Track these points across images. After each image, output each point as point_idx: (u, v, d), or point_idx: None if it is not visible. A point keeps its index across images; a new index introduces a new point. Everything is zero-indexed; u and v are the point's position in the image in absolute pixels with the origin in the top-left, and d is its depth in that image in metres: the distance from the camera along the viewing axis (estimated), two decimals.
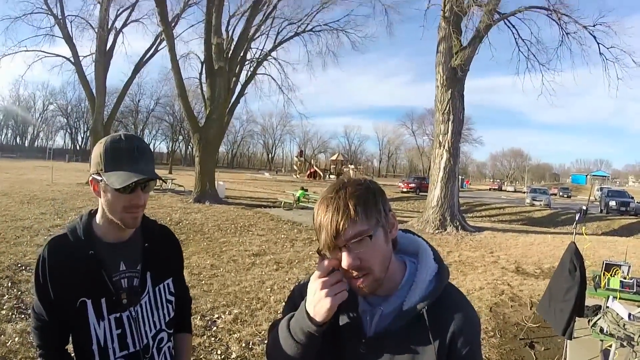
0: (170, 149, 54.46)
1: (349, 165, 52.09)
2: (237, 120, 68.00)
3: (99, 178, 1.21)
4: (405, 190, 30.64)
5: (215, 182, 16.02)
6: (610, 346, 3.72)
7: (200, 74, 20.60)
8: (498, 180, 65.48)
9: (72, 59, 22.72)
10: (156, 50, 24.68)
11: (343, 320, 1.08)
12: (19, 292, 4.56)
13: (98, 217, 1.30)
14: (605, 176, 67.48)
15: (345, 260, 0.91)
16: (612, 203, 25.33)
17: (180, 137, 59.57)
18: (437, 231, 11.73)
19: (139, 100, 57.40)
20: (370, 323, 1.06)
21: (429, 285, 1.03)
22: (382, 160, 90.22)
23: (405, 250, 1.11)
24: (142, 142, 1.27)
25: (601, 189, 32.53)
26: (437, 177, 12.32)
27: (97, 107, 21.69)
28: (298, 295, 1.20)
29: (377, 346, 1.04)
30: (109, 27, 22.88)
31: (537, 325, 4.73)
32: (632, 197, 27.06)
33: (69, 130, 71.99)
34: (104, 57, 22.35)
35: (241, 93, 19.80)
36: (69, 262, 1.23)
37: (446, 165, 12.17)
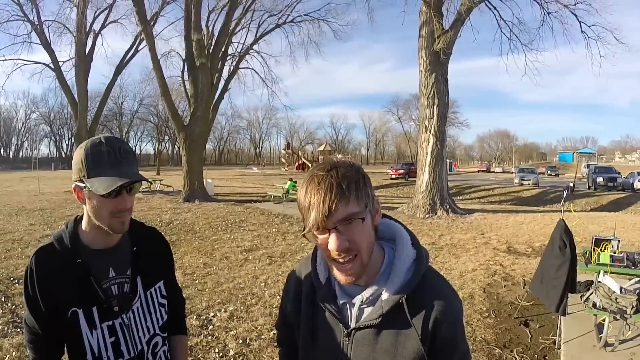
0: (156, 150, 53.66)
1: (337, 155, 51.85)
2: (222, 116, 67.56)
3: (82, 185, 1.17)
4: (394, 176, 30.68)
5: (204, 180, 15.90)
6: (604, 320, 3.77)
7: (183, 71, 20.41)
8: (486, 162, 65.59)
9: (51, 65, 22.33)
10: (136, 51, 24.41)
11: (323, 314, 1.07)
12: (13, 306, 4.49)
13: (84, 224, 1.26)
14: (591, 153, 68.27)
15: (335, 242, 0.88)
16: (600, 179, 25.68)
17: (166, 137, 58.93)
18: (427, 216, 11.75)
19: (122, 103, 56.61)
20: (351, 314, 1.04)
21: (408, 272, 1.01)
22: (370, 148, 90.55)
23: (382, 236, 1.09)
24: (124, 143, 1.22)
25: (588, 165, 32.88)
26: (425, 162, 12.31)
27: (80, 112, 21.41)
28: (293, 280, 1.21)
29: (360, 337, 1.03)
30: (87, 30, 22.55)
31: (531, 303, 4.79)
32: (619, 173, 27.41)
33: (52, 138, 70.55)
34: (83, 61, 22.01)
35: (225, 88, 19.62)
36: (57, 271, 1.19)
37: (433, 150, 12.16)
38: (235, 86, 24.34)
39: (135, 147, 66.69)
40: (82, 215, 1.27)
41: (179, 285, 1.56)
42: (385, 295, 0.99)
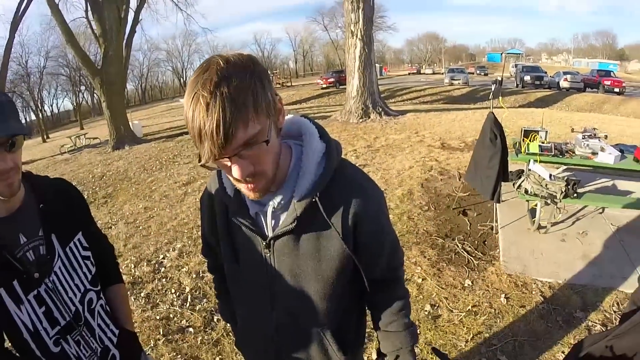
0: (75, 104, 49.14)
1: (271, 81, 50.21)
2: (139, 51, 62.23)
3: None
4: (325, 86, 30.39)
5: (130, 123, 14.95)
6: (536, 205, 4.05)
7: (86, 11, 17.99)
8: (416, 65, 66.38)
9: None
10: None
11: (240, 230, 1.00)
12: None
13: None
14: (519, 54, 70.12)
15: (238, 171, 0.76)
16: (527, 78, 26.99)
17: (83, 88, 53.71)
18: (361, 120, 11.84)
19: (26, 61, 49.41)
20: (266, 223, 0.97)
21: (318, 168, 0.92)
22: (298, 61, 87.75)
23: (288, 134, 0.99)
24: None
25: (516, 65, 34.02)
26: (354, 67, 12.14)
27: None
28: (205, 201, 1.13)
29: (280, 246, 0.97)
30: None
31: (467, 194, 5.07)
32: (546, 72, 28.84)
33: None
34: None
35: (135, 20, 17.70)
36: None
37: (361, 54, 11.96)
38: (147, 16, 22.39)
39: (51, 106, 60.43)
40: None
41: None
42: (297, 197, 0.91)
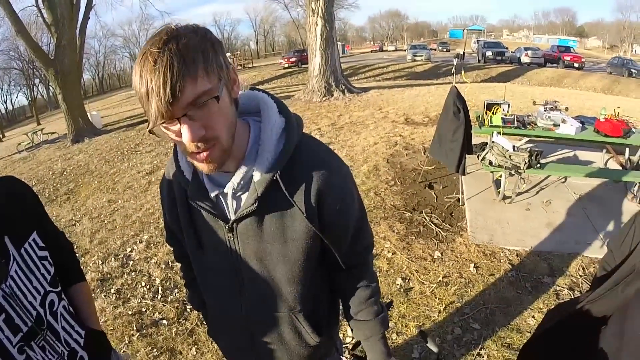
0: (30, 98, 46.72)
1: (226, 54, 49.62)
2: (94, 39, 59.22)
3: None
4: (287, 65, 29.97)
5: (88, 114, 14.41)
6: (501, 176, 4.15)
7: None
8: (379, 42, 66.46)
9: None
10: None
11: (201, 215, 0.96)
12: None
13: None
14: (481, 30, 70.87)
15: (188, 133, 0.72)
16: (489, 53, 27.41)
17: (37, 81, 51.20)
18: (324, 98, 11.79)
19: None
20: (228, 206, 0.93)
21: (278, 145, 0.88)
22: (259, 41, 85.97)
23: (247, 110, 0.95)
24: None
25: (478, 41, 34.50)
26: (315, 46, 12.00)
27: None
28: (164, 187, 1.08)
29: (243, 229, 0.93)
30: None
31: (433, 167, 5.14)
32: (507, 48, 29.36)
33: None
34: None
35: (88, 6, 16.90)
36: None
37: (322, 32, 11.80)
38: (101, 1, 21.28)
39: (5, 102, 56.65)
40: None
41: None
42: (257, 176, 0.87)
